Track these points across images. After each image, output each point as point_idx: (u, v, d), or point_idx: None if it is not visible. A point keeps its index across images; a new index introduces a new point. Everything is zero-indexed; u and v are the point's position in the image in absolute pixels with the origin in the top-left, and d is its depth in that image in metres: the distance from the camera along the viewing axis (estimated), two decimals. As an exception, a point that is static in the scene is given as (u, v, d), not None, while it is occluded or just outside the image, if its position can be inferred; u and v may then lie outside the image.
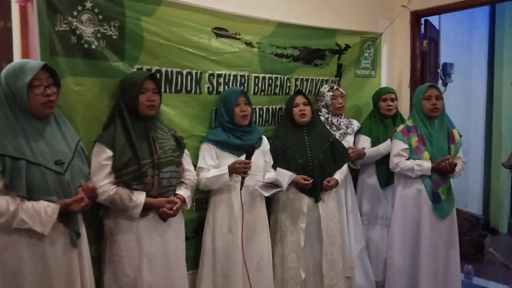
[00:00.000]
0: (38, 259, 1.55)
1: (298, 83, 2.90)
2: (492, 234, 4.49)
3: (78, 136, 1.79)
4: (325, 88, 2.96)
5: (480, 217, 4.13)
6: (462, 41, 4.59)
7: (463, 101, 4.68)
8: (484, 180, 4.94)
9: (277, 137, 2.66)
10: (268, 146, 2.52)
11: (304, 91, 2.87)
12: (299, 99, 2.63)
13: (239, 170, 2.18)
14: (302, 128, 2.63)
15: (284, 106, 2.79)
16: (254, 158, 2.24)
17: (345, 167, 2.72)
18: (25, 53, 1.92)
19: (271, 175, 2.41)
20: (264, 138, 2.51)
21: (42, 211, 1.52)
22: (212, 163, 2.27)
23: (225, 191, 2.29)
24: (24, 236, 1.53)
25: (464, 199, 4.61)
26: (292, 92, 2.86)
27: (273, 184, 2.33)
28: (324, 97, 2.91)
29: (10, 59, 2.08)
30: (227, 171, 2.20)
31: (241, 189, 2.23)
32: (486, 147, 4.92)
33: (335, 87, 2.95)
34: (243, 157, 2.23)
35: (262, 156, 2.42)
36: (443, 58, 4.26)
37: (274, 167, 2.48)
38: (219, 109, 2.37)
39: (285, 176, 2.32)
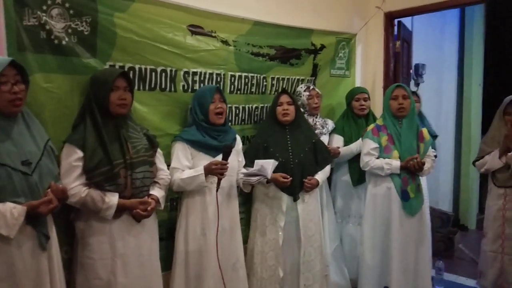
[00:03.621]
0: (4, 263, 1.49)
1: (274, 82, 2.90)
2: (462, 231, 4.63)
3: (48, 135, 1.73)
4: (301, 87, 2.97)
5: (451, 214, 4.25)
6: (433, 42, 4.69)
7: (435, 101, 4.79)
8: (454, 178, 5.07)
9: (260, 135, 2.66)
10: (241, 145, 2.50)
11: (280, 90, 2.87)
12: (284, 98, 2.62)
13: (216, 171, 2.14)
14: (285, 127, 2.63)
15: (262, 104, 2.81)
16: (229, 158, 2.21)
17: (327, 168, 2.74)
18: (-9, 48, 1.84)
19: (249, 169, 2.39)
20: (238, 138, 2.48)
21: (8, 213, 1.46)
22: (187, 164, 2.21)
23: (199, 192, 2.23)
24: (-11, 238, 1.47)
25: (435, 197, 4.71)
26: (268, 91, 2.86)
27: (257, 173, 2.31)
28: (300, 96, 2.92)
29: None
30: (203, 172, 2.15)
31: (217, 191, 2.19)
32: (456, 146, 5.05)
33: (311, 87, 2.97)
34: (219, 158, 2.21)
35: (236, 156, 2.40)
36: (415, 59, 4.35)
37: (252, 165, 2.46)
38: (193, 107, 2.31)
39: (268, 164, 2.30)
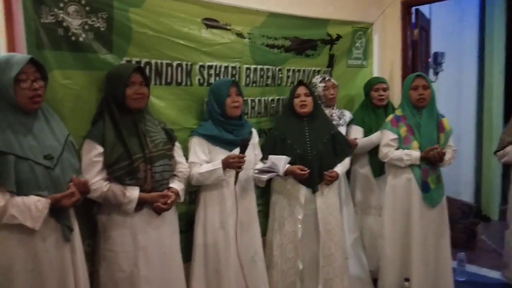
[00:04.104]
0: (30, 255, 1.54)
1: (290, 74, 2.88)
2: (484, 222, 4.54)
3: (68, 130, 1.76)
4: (317, 79, 2.94)
5: (472, 205, 4.17)
6: (453, 30, 4.59)
7: (454, 90, 4.69)
8: (476, 169, 4.97)
9: (277, 127, 2.64)
10: (257, 139, 2.50)
11: (296, 82, 2.86)
12: (301, 90, 2.60)
13: (234, 165, 2.15)
14: (303, 118, 2.61)
15: (278, 97, 2.80)
16: (246, 152, 2.21)
17: (347, 161, 2.71)
18: (11, 47, 1.86)
19: (260, 166, 2.38)
20: (254, 131, 2.48)
21: (32, 206, 1.50)
22: (205, 158, 2.23)
23: (217, 186, 2.24)
24: (15, 232, 1.51)
25: (457, 188, 4.64)
26: (284, 83, 2.85)
27: (269, 170, 2.30)
28: (316, 88, 2.90)
29: (-3, 52, 2.05)
30: (220, 165, 2.16)
31: (235, 184, 2.21)
32: (478, 135, 4.94)
33: (327, 78, 2.94)
34: (236, 151, 2.21)
35: (252, 150, 2.39)
36: (434, 47, 4.26)
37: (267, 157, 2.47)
38: (209, 101, 2.32)
39: (279, 160, 2.30)
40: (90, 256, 1.94)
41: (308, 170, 2.42)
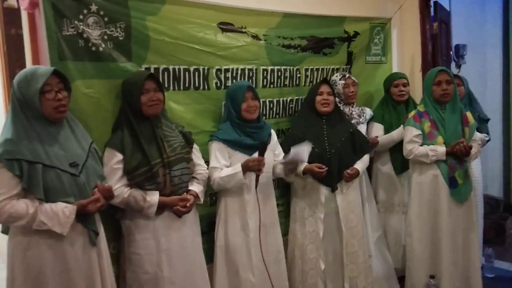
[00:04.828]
0: (59, 259, 1.60)
1: (308, 73, 2.88)
2: (515, 216, 4.42)
3: (91, 138, 1.83)
4: (336, 76, 2.93)
5: (500, 199, 4.06)
6: (475, 21, 4.48)
7: (478, 82, 4.56)
8: (504, 162, 4.83)
9: (295, 126, 2.65)
10: (276, 139, 2.50)
11: (314, 81, 2.86)
12: (324, 88, 2.59)
13: (254, 168, 2.17)
14: (322, 117, 2.60)
15: (296, 97, 2.80)
16: (265, 154, 2.23)
17: (366, 158, 2.69)
18: (35, 59, 1.97)
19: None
20: (273, 133, 2.49)
21: (60, 212, 1.57)
22: (225, 162, 2.25)
23: (238, 189, 2.26)
24: (44, 237, 1.58)
25: (484, 182, 4.51)
26: (302, 83, 2.85)
27: (294, 160, 2.31)
28: (336, 85, 2.89)
29: (22, 65, 2.15)
30: (240, 169, 2.18)
31: (256, 187, 2.23)
32: (505, 128, 4.80)
33: (347, 75, 2.93)
34: (255, 155, 2.22)
35: (271, 152, 2.40)
36: (456, 40, 4.18)
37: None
38: (226, 103, 2.35)
39: (302, 150, 2.28)
40: (115, 259, 2.01)
41: (326, 168, 2.41)
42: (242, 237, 2.28)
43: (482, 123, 3.23)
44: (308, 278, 2.55)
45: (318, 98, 2.58)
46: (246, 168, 2.18)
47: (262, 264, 2.27)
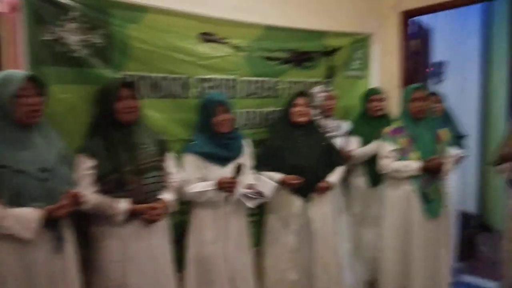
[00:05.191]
0: (22, 264, 1.59)
1: (289, 85, 2.92)
2: (488, 232, 4.51)
3: (65, 143, 1.83)
4: (316, 89, 2.99)
5: (472, 214, 4.15)
6: (455, 39, 4.59)
7: (457, 98, 4.67)
8: (480, 178, 4.94)
9: (271, 138, 2.69)
10: (249, 152, 2.53)
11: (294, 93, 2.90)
12: (300, 100, 2.64)
13: (226, 189, 2.22)
14: (298, 129, 2.65)
15: (276, 108, 2.84)
16: (232, 168, 2.27)
17: (340, 170, 2.73)
18: (14, 62, 1.95)
19: (250, 179, 2.41)
20: (246, 143, 2.51)
21: (26, 217, 1.57)
22: (198, 175, 2.26)
23: (209, 204, 2.28)
24: (8, 241, 1.57)
25: (459, 197, 4.62)
26: (282, 95, 2.89)
27: (257, 195, 2.35)
28: (315, 97, 2.94)
29: (1, 67, 2.13)
30: (213, 187, 2.22)
31: (226, 204, 2.29)
32: (481, 145, 4.92)
33: (327, 88, 2.98)
34: (229, 171, 2.26)
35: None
36: (436, 57, 4.27)
37: (264, 168, 2.52)
38: (199, 115, 2.36)
39: (268, 185, 2.35)
40: (84, 265, 1.98)
41: (303, 179, 2.46)
42: (215, 248, 2.30)
43: (460, 139, 3.31)
44: (279, 289, 2.58)
45: (295, 109, 2.63)
46: (219, 186, 2.22)
47: (230, 275, 2.31)
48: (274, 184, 2.38)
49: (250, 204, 2.34)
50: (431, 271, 2.63)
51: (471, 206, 4.75)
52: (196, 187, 2.23)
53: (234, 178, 2.23)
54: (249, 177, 2.42)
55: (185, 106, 2.41)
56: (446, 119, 3.31)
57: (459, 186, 4.58)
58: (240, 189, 2.32)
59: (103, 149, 1.91)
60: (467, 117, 4.76)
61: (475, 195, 4.90)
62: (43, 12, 1.84)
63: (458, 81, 4.71)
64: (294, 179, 2.47)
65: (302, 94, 2.70)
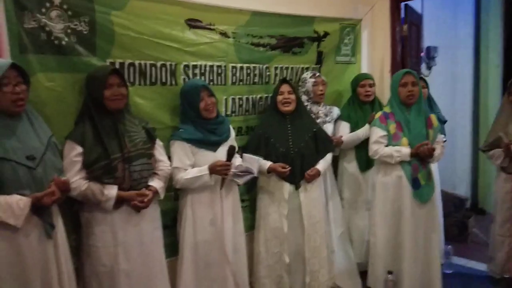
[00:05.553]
0: (13, 251, 1.61)
1: (278, 71, 2.93)
2: (480, 215, 4.56)
3: (51, 131, 1.83)
4: (307, 74, 2.99)
5: (464, 198, 4.19)
6: (446, 24, 4.59)
7: (449, 84, 4.70)
8: (472, 162, 4.97)
9: (261, 126, 2.71)
10: (234, 135, 2.53)
11: (282, 79, 2.91)
12: (284, 88, 2.65)
13: (221, 172, 2.23)
14: (286, 116, 2.66)
15: (266, 95, 2.84)
16: (222, 151, 2.28)
17: (329, 157, 2.75)
18: (-2, 51, 1.96)
19: (239, 161, 2.42)
20: (231, 128, 2.51)
21: (14, 204, 1.58)
22: (189, 162, 2.27)
23: (203, 189, 2.29)
24: (-1, 228, 1.59)
25: (452, 181, 4.66)
26: (272, 81, 2.89)
27: (245, 172, 2.36)
28: (306, 83, 2.95)
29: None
30: (207, 172, 2.23)
31: (221, 189, 2.30)
32: (474, 128, 4.94)
33: (317, 74, 2.99)
34: (222, 151, 2.28)
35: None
36: (428, 42, 4.27)
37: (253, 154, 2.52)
38: (182, 104, 2.35)
39: (253, 162, 2.35)
40: (76, 251, 2.02)
41: (289, 168, 2.48)
42: (211, 232, 2.32)
43: (441, 124, 3.32)
44: (274, 271, 2.62)
45: (279, 97, 2.64)
46: (212, 171, 2.23)
47: (225, 257, 2.33)
48: (258, 158, 2.38)
49: (240, 181, 2.35)
50: (422, 254, 2.66)
51: (464, 190, 4.79)
52: (189, 174, 2.23)
53: (227, 161, 2.24)
54: (236, 159, 2.43)
55: (174, 93, 2.40)
56: (429, 104, 3.31)
57: (452, 170, 4.65)
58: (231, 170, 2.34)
59: (91, 136, 1.92)
60: (459, 102, 4.80)
61: (468, 179, 4.93)
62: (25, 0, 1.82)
63: (450, 67, 4.72)
64: (281, 167, 2.48)
65: (285, 81, 2.70)
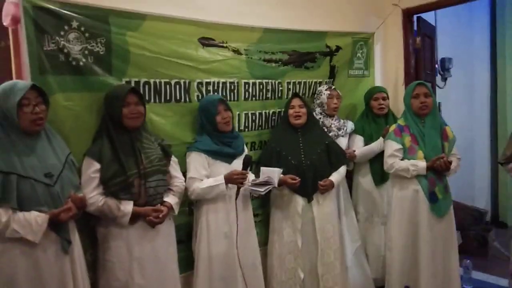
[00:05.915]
0: (32, 266, 1.66)
1: (291, 86, 2.95)
2: (501, 228, 4.46)
3: (69, 149, 1.89)
4: (323, 87, 3.02)
5: (484, 211, 4.10)
6: (461, 35, 4.56)
7: (465, 95, 4.65)
8: (492, 174, 4.88)
9: (272, 139, 2.74)
10: (247, 151, 2.56)
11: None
12: (295, 102, 2.69)
13: (237, 181, 2.26)
14: (297, 130, 2.69)
15: (279, 109, 2.87)
16: (237, 164, 2.32)
17: (342, 169, 2.74)
18: (18, 72, 2.04)
19: (252, 177, 2.45)
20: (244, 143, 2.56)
21: (33, 220, 1.63)
22: (205, 173, 2.31)
23: (219, 199, 2.33)
24: (18, 244, 1.64)
25: (471, 194, 4.58)
26: (284, 96, 2.92)
27: (265, 183, 2.38)
28: (321, 95, 2.97)
29: (11, 76, 2.22)
30: (223, 181, 2.26)
31: (236, 199, 2.32)
32: (492, 140, 4.87)
33: (332, 87, 3.01)
34: (237, 164, 2.32)
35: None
36: (442, 53, 4.25)
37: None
38: (200, 118, 2.41)
39: (273, 173, 2.38)
40: (92, 266, 2.06)
41: (299, 180, 2.48)
42: (226, 246, 2.33)
43: None
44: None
45: (290, 111, 2.68)
46: (228, 180, 2.27)
47: (240, 270, 2.34)
48: (278, 169, 2.41)
49: (261, 191, 2.36)
50: (441, 270, 2.60)
51: (484, 203, 4.70)
52: (205, 183, 2.27)
53: (243, 170, 2.28)
54: (250, 176, 2.46)
55: (188, 110, 2.46)
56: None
57: (471, 182, 4.57)
58: (248, 182, 2.36)
59: (109, 153, 1.97)
60: (477, 113, 4.74)
61: (487, 191, 4.84)
62: (44, 23, 1.89)
63: (466, 78, 4.67)
64: (291, 179, 2.49)
65: (296, 95, 2.74)
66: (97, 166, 1.94)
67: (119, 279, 1.97)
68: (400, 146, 2.61)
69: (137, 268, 1.98)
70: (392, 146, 2.63)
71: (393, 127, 2.70)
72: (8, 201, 1.62)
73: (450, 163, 2.52)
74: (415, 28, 3.55)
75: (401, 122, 2.70)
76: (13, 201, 1.62)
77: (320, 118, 2.95)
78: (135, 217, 1.97)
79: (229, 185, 2.29)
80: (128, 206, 1.95)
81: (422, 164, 2.53)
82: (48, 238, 1.70)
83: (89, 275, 1.97)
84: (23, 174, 1.65)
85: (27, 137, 1.74)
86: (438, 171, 2.52)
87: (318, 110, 2.98)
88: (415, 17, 3.52)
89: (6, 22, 1.91)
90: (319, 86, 3.08)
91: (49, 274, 1.69)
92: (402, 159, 2.61)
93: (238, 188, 2.30)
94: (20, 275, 1.64)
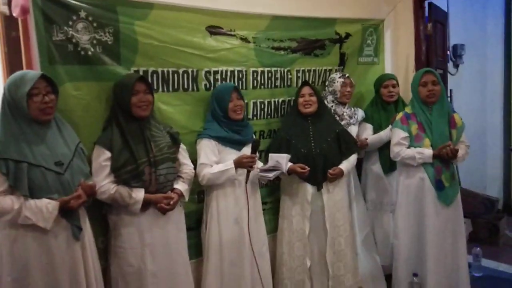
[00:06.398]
0: (44, 251, 1.71)
1: (300, 74, 2.92)
2: (512, 216, 4.42)
3: (78, 138, 1.92)
4: (336, 74, 2.99)
5: (495, 199, 4.06)
6: (474, 21, 4.47)
7: (478, 81, 4.57)
8: (504, 161, 4.82)
9: (282, 128, 2.73)
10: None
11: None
12: (305, 90, 2.67)
13: (247, 165, 2.29)
14: (307, 118, 2.68)
15: (288, 98, 2.85)
16: (246, 152, 2.34)
17: (353, 158, 2.73)
18: (28, 62, 2.07)
19: (260, 165, 2.47)
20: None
21: (44, 208, 1.67)
22: (215, 159, 2.33)
23: (229, 184, 2.36)
24: (30, 230, 1.69)
25: (483, 182, 4.54)
26: (294, 84, 2.89)
27: (274, 168, 2.39)
28: (334, 82, 2.94)
29: (21, 66, 2.25)
30: (233, 165, 2.29)
31: (246, 182, 2.34)
32: (505, 127, 4.79)
33: (346, 75, 2.98)
34: (244, 150, 2.34)
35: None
36: (454, 40, 4.18)
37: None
38: (212, 104, 2.43)
39: (282, 158, 2.39)
40: (103, 252, 2.11)
41: (308, 168, 2.48)
42: (237, 231, 2.37)
43: None
44: (296, 275, 2.62)
45: (300, 100, 2.66)
46: (238, 164, 2.29)
47: (251, 255, 2.38)
48: (286, 155, 2.42)
49: (270, 176, 2.38)
50: (449, 257, 2.61)
51: (496, 191, 4.65)
52: (215, 168, 2.30)
53: (252, 153, 2.30)
54: (258, 163, 2.47)
55: (196, 99, 2.47)
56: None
57: (483, 171, 4.52)
58: (257, 167, 2.39)
59: (119, 141, 2.00)
60: (489, 100, 4.67)
61: (499, 179, 4.79)
62: (53, 14, 1.91)
63: (479, 64, 4.59)
64: (300, 168, 2.49)
65: (306, 83, 2.72)
66: (108, 154, 1.97)
67: (132, 265, 2.02)
68: (406, 134, 2.60)
69: (149, 254, 2.02)
70: (398, 134, 2.62)
71: (399, 114, 2.69)
72: (19, 189, 1.66)
73: (457, 151, 2.50)
74: (427, 14, 3.49)
75: (408, 110, 2.69)
76: (24, 189, 1.66)
77: (332, 106, 2.93)
78: (146, 204, 2.00)
79: (239, 170, 2.32)
80: (139, 194, 1.98)
81: (428, 152, 2.52)
82: (59, 225, 1.74)
83: (100, 262, 2.01)
84: (33, 162, 1.69)
85: (37, 126, 1.76)
86: (444, 159, 2.50)
87: (330, 98, 2.95)
88: (426, 2, 3.46)
89: (15, 12, 1.93)
90: (329, 73, 3.06)
91: (60, 259, 1.73)
92: (408, 147, 2.60)
93: (248, 172, 2.31)
94: (33, 260, 1.69)
